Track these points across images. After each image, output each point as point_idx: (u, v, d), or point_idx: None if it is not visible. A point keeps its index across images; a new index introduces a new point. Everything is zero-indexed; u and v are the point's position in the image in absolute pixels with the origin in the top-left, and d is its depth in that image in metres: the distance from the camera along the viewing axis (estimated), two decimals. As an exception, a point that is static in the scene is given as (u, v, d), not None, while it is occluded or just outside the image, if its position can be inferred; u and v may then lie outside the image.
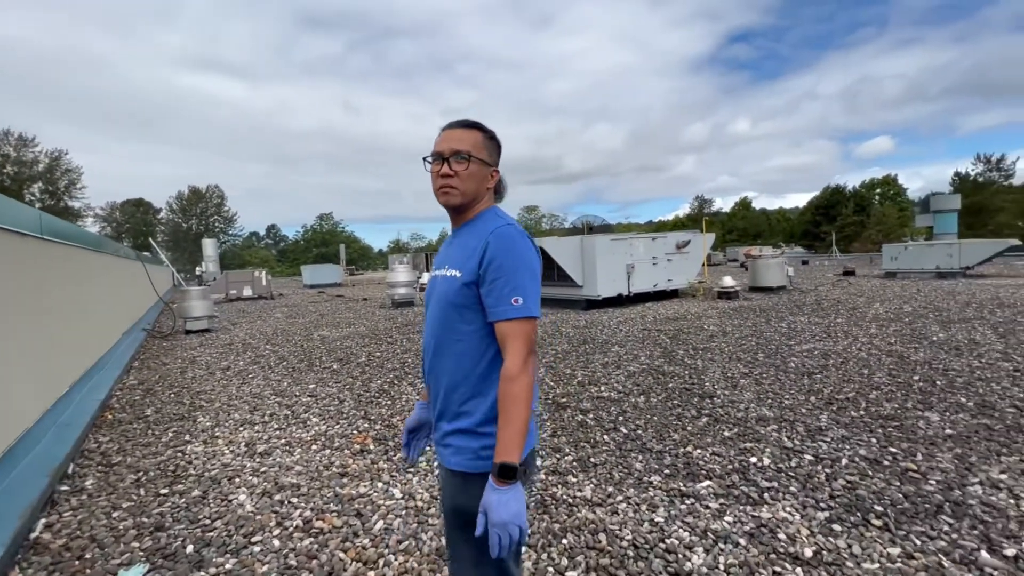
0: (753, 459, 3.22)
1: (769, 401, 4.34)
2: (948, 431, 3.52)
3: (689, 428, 3.81)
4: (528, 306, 1.22)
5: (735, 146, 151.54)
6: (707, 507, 2.67)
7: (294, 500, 2.96)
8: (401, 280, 14.03)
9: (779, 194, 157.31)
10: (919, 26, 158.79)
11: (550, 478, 3.09)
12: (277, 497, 3.00)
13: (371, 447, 3.73)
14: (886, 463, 3.07)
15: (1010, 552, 2.18)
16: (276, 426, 4.31)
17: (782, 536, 2.38)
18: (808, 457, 3.21)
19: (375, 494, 2.98)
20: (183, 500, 3.01)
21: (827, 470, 3.02)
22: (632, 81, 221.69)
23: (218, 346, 8.70)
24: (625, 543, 2.39)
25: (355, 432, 4.07)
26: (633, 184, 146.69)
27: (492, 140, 1.37)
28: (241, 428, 4.30)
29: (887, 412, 3.94)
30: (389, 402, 4.86)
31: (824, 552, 2.25)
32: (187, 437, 4.14)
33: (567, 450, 3.50)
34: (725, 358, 5.97)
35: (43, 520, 2.82)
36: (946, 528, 2.39)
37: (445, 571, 2.22)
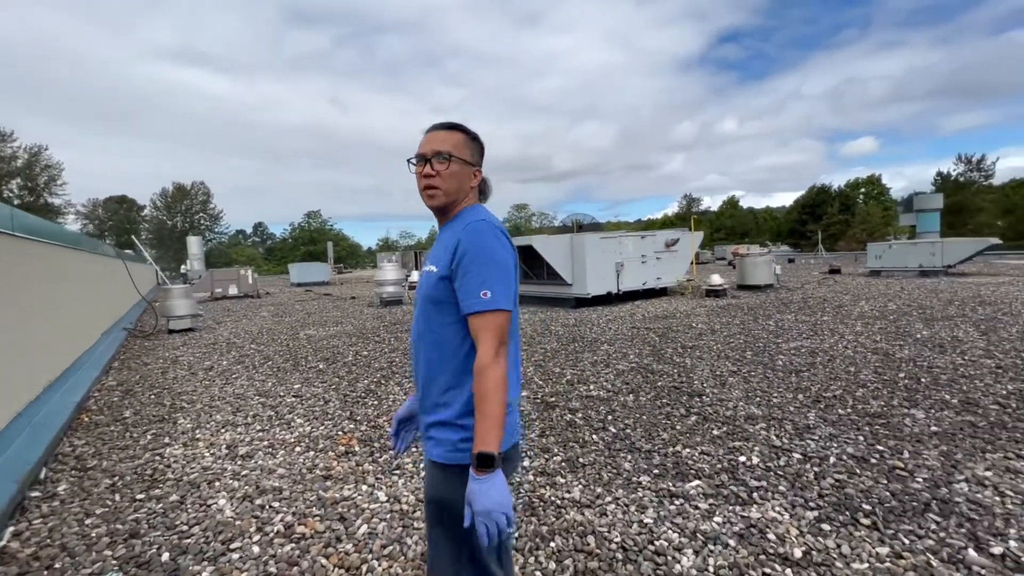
0: (742, 458, 3.20)
1: (757, 399, 4.34)
2: (933, 428, 3.54)
3: (678, 427, 3.79)
4: (496, 299, 1.23)
5: (723, 145, 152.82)
6: (696, 507, 2.65)
7: (276, 504, 2.88)
8: (389, 278, 13.94)
9: (766, 193, 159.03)
10: (902, 28, 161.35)
11: (538, 479, 3.05)
12: (258, 501, 2.92)
13: (356, 449, 3.66)
14: (873, 461, 3.08)
15: (997, 550, 2.18)
16: (259, 427, 4.22)
17: (771, 536, 2.36)
18: (797, 456, 3.20)
19: (359, 497, 2.92)
20: (160, 505, 2.92)
21: (815, 468, 3.01)
22: (620, 80, 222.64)
23: (201, 346, 8.54)
24: (614, 545, 2.36)
25: (340, 433, 3.99)
26: (622, 183, 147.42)
27: (474, 141, 1.40)
28: (223, 430, 4.20)
29: (874, 409, 3.96)
30: (376, 402, 4.78)
31: (814, 552, 2.23)
32: (166, 440, 4.03)
33: (556, 450, 3.46)
34: (714, 356, 5.97)
35: (11, 528, 2.71)
36: (933, 526, 2.38)
37: None
